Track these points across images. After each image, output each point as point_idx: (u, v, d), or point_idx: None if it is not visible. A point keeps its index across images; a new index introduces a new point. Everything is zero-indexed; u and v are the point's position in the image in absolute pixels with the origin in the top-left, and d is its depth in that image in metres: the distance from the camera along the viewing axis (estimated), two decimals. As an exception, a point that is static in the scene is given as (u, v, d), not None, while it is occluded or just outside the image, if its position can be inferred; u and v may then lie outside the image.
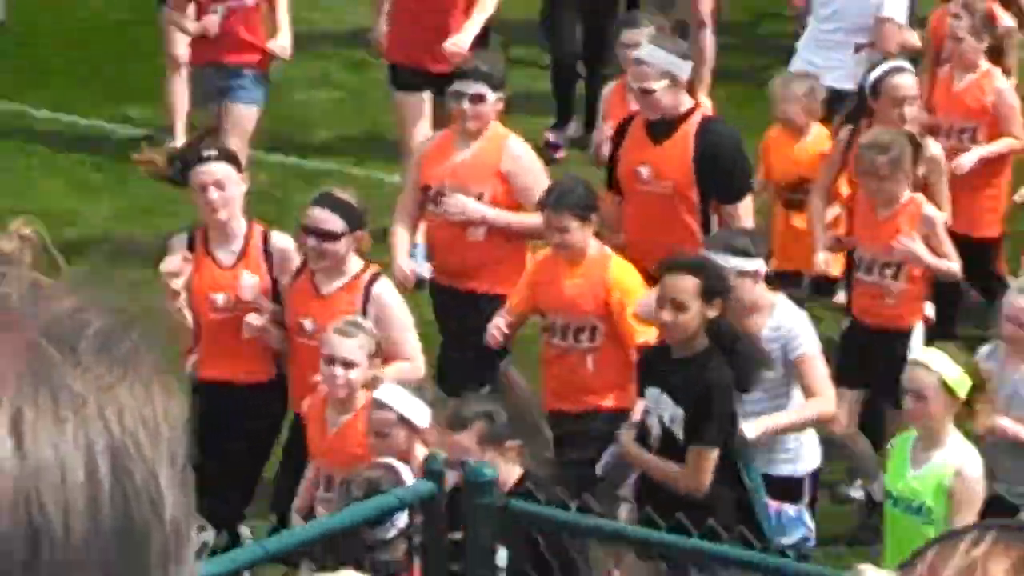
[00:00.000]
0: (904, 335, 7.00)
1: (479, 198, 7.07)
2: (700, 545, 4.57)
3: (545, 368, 6.98)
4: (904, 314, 7.17)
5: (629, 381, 6.53)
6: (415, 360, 6.65)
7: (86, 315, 0.87)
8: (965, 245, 7.52)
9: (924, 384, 5.87)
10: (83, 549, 0.83)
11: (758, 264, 6.44)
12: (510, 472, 5.73)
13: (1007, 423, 6.25)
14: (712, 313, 5.96)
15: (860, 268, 7.24)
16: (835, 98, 8.21)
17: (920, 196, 7.15)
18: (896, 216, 7.04)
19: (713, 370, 6.00)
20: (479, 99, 7.14)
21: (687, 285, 5.94)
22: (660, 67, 7.02)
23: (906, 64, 7.94)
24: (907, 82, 7.66)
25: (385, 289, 6.74)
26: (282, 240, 6.95)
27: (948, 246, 7.09)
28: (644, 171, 7.16)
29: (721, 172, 7.07)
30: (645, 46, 7.20)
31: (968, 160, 7.87)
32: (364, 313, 6.58)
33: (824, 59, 8.62)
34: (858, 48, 8.67)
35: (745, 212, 7.13)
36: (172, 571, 0.86)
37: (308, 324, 6.65)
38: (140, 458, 0.85)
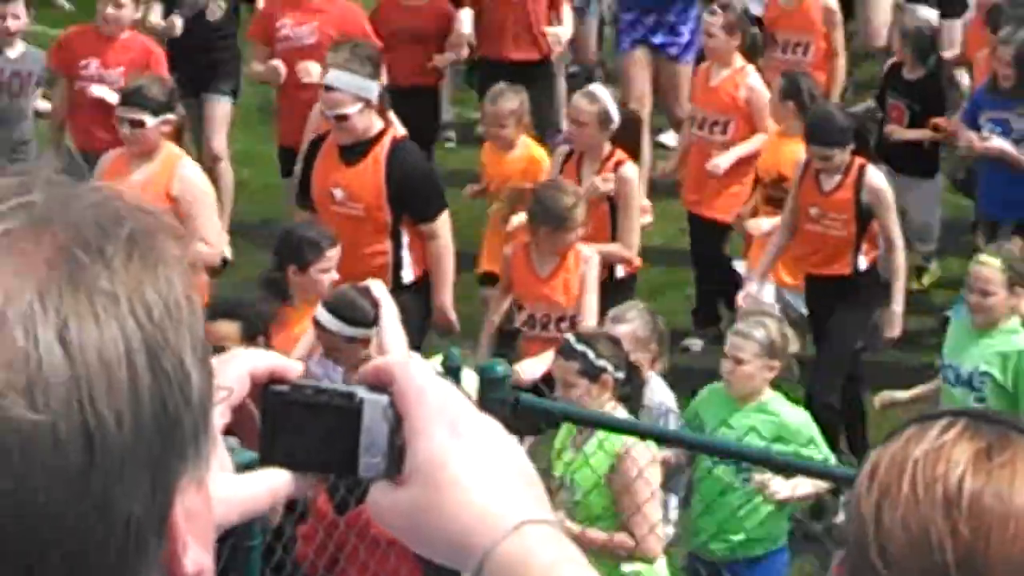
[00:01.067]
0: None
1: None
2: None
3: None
4: None
5: None
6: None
7: (111, 216, 0.91)
8: (708, 228, 8.11)
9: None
10: (130, 443, 0.87)
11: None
12: None
13: None
14: None
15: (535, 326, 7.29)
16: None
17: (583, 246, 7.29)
18: (559, 269, 7.19)
19: None
20: (138, 124, 7.30)
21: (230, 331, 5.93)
22: (351, 92, 7.21)
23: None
24: None
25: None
26: None
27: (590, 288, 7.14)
28: (338, 193, 7.32)
29: (412, 192, 7.26)
30: (332, 71, 7.32)
31: (725, 161, 8.13)
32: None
33: None
34: None
35: (443, 227, 7.32)
36: (202, 442, 0.93)
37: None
38: (169, 349, 0.89)
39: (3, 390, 0.84)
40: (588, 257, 7.08)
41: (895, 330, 7.38)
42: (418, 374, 1.15)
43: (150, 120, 7.35)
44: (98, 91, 8.50)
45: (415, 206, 7.27)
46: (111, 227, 0.90)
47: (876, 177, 7.40)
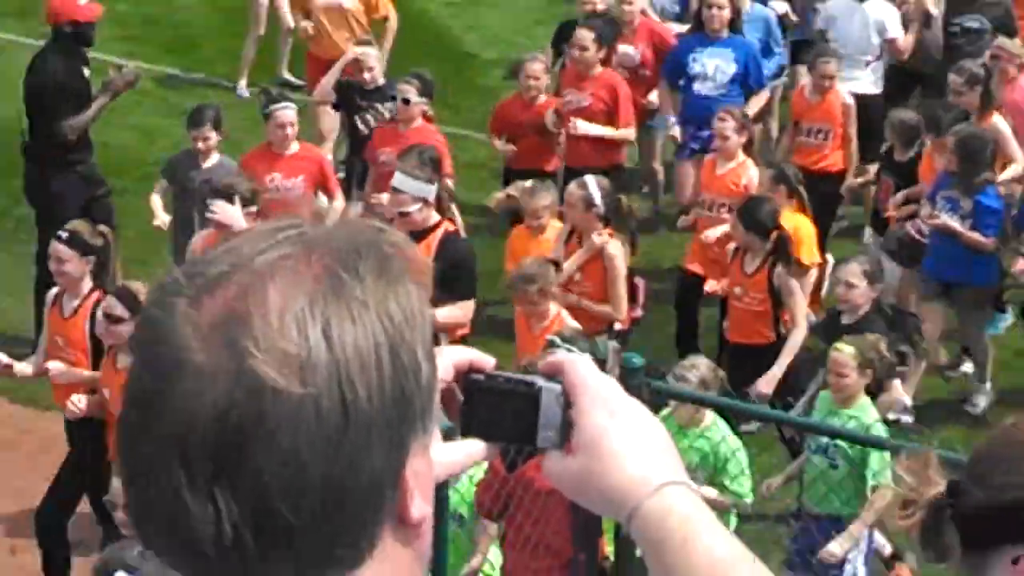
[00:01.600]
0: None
1: None
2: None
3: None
4: None
5: None
6: None
7: (363, 244, 1.15)
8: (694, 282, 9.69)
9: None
10: (375, 415, 1.11)
11: None
12: None
13: None
14: None
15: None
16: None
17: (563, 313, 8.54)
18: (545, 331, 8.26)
19: None
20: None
21: None
22: (412, 193, 8.43)
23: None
24: None
25: None
26: None
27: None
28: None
29: (452, 278, 8.24)
30: (398, 175, 8.55)
31: (714, 233, 9.53)
32: None
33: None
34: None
35: (466, 310, 8.44)
36: (428, 417, 1.18)
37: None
38: (405, 345, 1.13)
39: (282, 370, 1.07)
40: (563, 320, 8.36)
41: (768, 388, 8.41)
42: (582, 368, 1.39)
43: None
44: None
45: (452, 288, 8.28)
46: (364, 252, 1.14)
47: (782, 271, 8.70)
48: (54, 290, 8.11)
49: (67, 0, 9.81)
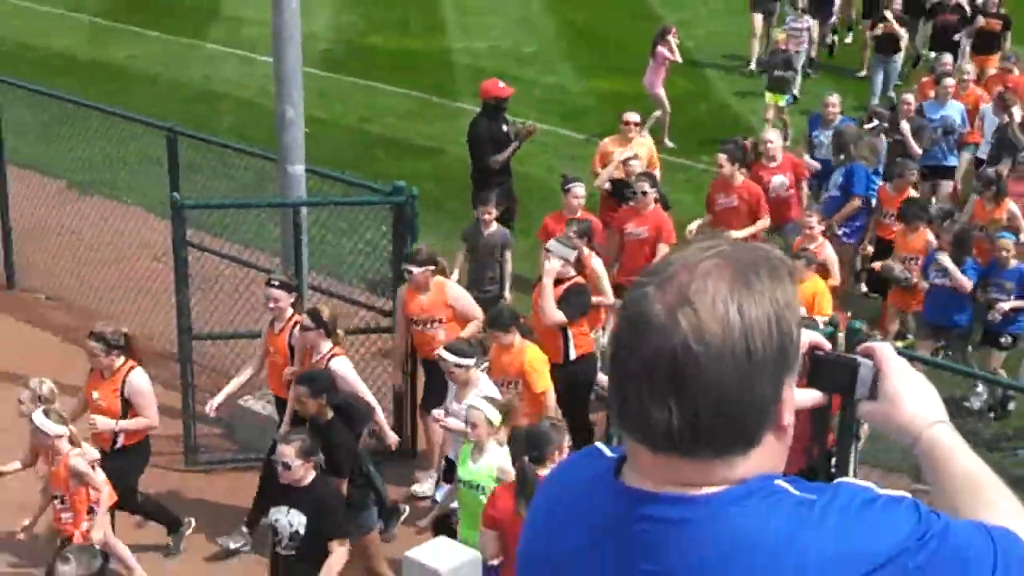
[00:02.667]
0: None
1: None
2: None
3: None
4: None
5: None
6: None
7: (761, 257, 1.81)
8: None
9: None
10: (767, 359, 1.75)
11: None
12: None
13: None
14: None
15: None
16: None
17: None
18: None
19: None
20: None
21: None
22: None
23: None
24: None
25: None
26: None
27: None
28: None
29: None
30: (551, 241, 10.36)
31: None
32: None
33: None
34: None
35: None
36: (794, 367, 1.84)
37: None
38: (785, 319, 1.76)
39: (713, 329, 1.74)
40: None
41: None
42: (888, 351, 2.07)
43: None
44: None
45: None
46: (762, 262, 1.79)
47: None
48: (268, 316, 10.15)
49: (491, 84, 13.90)
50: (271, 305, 9.92)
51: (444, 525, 8.87)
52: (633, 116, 14.16)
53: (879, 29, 19.31)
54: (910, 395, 2.07)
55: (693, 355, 1.75)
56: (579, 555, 1.90)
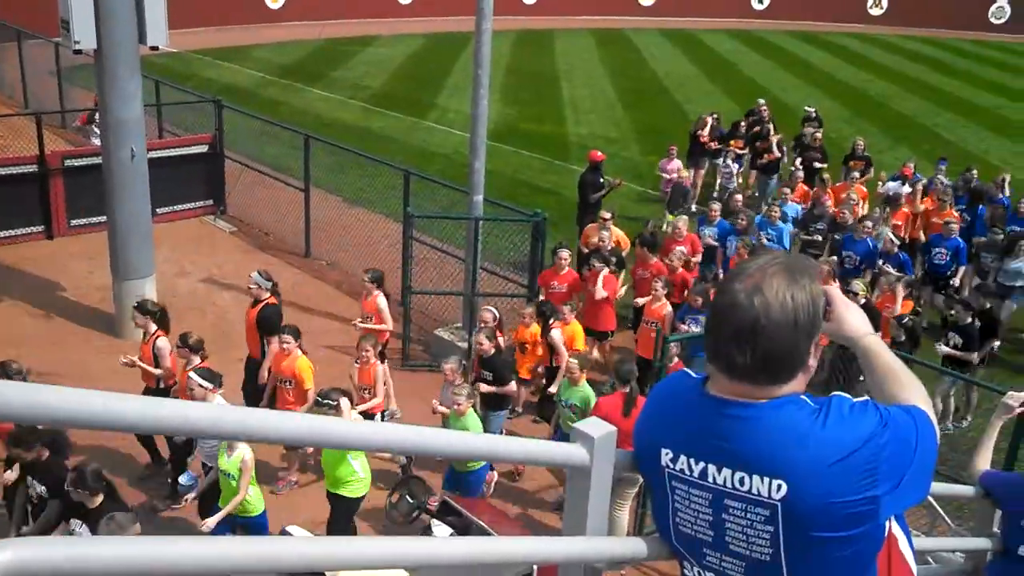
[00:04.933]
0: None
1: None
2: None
3: None
4: None
5: None
6: None
7: (801, 266, 2.60)
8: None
9: None
10: (804, 325, 2.57)
11: None
12: None
13: None
14: None
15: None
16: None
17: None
18: None
19: None
20: None
21: None
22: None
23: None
24: None
25: None
26: None
27: None
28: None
29: None
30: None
31: None
32: None
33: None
34: None
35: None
36: (819, 330, 2.61)
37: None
38: (813, 304, 2.58)
39: (775, 307, 2.52)
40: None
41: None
42: (834, 291, 2.74)
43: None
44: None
45: None
46: (802, 268, 2.59)
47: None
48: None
49: (594, 153, 19.24)
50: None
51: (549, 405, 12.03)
52: (606, 213, 17.29)
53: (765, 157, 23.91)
54: (852, 316, 2.89)
55: (762, 324, 2.54)
56: (681, 433, 2.70)
